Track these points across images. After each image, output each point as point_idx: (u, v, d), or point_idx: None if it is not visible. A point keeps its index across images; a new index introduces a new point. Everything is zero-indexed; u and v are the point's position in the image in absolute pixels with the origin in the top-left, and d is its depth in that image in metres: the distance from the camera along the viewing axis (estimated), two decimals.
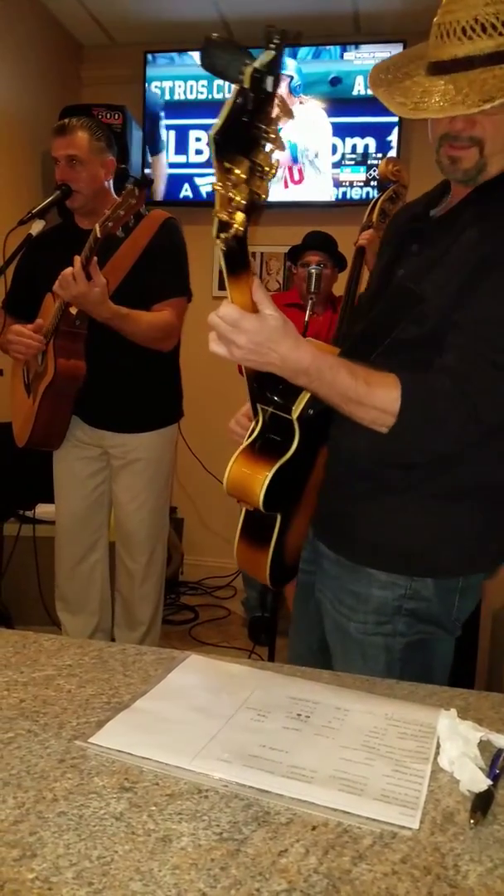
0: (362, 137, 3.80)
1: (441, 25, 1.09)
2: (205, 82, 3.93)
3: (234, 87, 0.80)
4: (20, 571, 3.04)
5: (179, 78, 3.96)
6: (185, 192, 4.02)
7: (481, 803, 0.76)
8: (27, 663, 1.06)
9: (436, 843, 0.71)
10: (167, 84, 3.97)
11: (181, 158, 4.03)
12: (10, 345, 2.22)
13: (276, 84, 0.81)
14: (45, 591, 2.87)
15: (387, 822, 0.74)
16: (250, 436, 1.16)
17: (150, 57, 3.97)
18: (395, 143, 3.77)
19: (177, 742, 0.86)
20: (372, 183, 3.76)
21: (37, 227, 2.18)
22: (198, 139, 3.97)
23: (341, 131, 3.82)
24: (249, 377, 1.10)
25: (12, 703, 0.95)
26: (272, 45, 0.79)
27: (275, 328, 0.98)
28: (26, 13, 3.62)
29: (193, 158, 4.00)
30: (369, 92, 1.17)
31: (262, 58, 0.79)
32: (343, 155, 3.82)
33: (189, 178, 4.01)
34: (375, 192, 3.57)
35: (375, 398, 1.07)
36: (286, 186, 3.90)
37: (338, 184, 3.85)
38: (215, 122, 0.80)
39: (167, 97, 3.98)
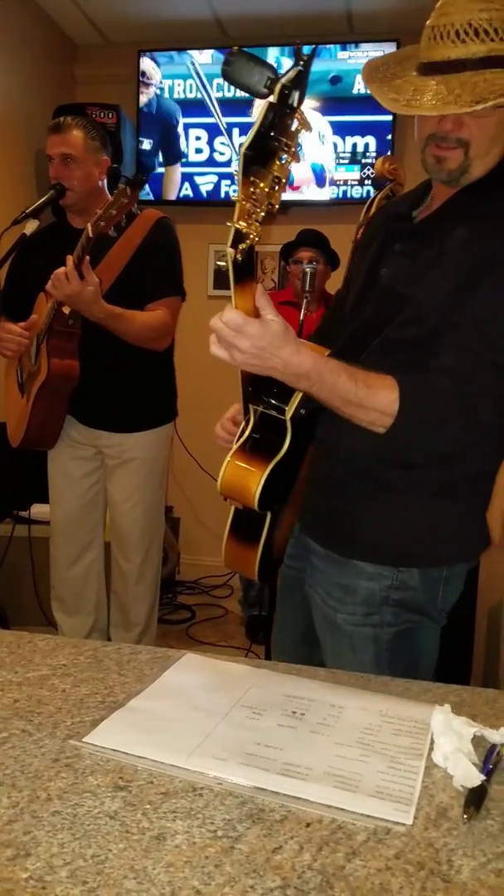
0: (362, 136, 3.79)
1: (435, 28, 1.10)
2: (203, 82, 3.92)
3: (261, 102, 0.84)
4: (15, 572, 3.04)
5: (179, 77, 3.94)
6: (185, 191, 4.00)
7: (475, 798, 0.76)
8: (21, 663, 1.06)
9: (429, 839, 0.72)
10: (167, 83, 3.95)
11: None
12: (1, 342, 2.21)
13: (301, 99, 0.84)
14: (41, 592, 2.86)
15: (381, 818, 0.74)
16: (241, 436, 1.16)
17: (148, 56, 3.94)
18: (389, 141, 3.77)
19: (172, 740, 0.86)
20: (366, 181, 3.76)
21: (31, 226, 2.18)
22: (198, 138, 3.96)
23: (341, 130, 3.80)
24: (244, 380, 1.11)
25: (7, 703, 0.95)
26: (300, 63, 0.82)
27: (277, 333, 0.99)
28: (20, 12, 3.61)
29: (193, 157, 3.97)
30: (369, 91, 1.17)
31: (290, 74, 0.83)
32: (338, 154, 3.82)
33: (189, 178, 3.99)
34: (371, 190, 3.56)
35: (375, 400, 1.08)
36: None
37: (333, 182, 3.85)
38: (245, 137, 0.84)
39: (166, 95, 3.96)
